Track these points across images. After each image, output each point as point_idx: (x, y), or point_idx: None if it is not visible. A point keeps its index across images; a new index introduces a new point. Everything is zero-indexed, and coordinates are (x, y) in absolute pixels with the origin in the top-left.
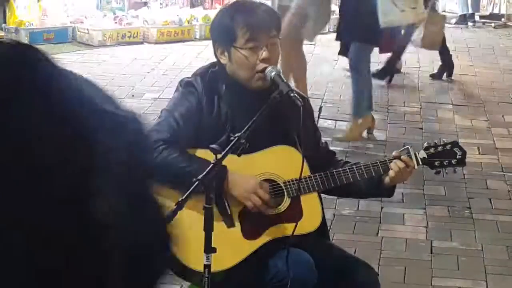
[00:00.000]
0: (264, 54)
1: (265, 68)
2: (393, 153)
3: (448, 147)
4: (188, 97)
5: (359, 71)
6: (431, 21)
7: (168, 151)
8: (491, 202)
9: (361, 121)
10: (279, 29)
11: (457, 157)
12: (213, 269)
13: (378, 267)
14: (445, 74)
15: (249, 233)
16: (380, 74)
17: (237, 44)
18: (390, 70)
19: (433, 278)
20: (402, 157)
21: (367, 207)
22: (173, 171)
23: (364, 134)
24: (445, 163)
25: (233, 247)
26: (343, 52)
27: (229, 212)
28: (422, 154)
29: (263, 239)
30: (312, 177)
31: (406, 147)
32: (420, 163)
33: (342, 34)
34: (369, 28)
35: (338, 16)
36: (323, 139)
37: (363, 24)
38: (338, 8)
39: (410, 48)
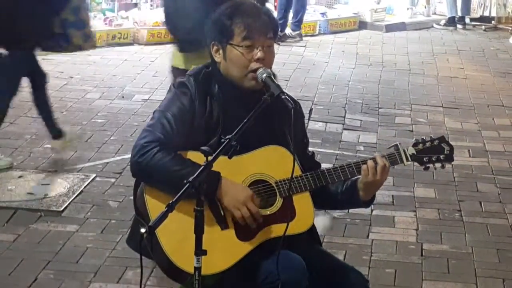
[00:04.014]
0: (259, 54)
1: (258, 68)
2: (383, 153)
3: (436, 142)
4: (180, 98)
5: None
6: None
7: (161, 153)
8: (481, 205)
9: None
10: (276, 33)
11: (445, 152)
12: (208, 272)
13: (369, 269)
14: None
15: (243, 235)
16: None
17: (233, 42)
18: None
19: (424, 281)
20: (376, 155)
21: (358, 210)
22: (167, 174)
23: None
24: (433, 159)
25: (227, 249)
26: None
27: (222, 214)
28: (411, 150)
29: (257, 240)
30: (304, 176)
31: (395, 143)
32: (410, 159)
33: None
34: None
35: None
36: (314, 141)
37: None
38: None
39: (401, 51)
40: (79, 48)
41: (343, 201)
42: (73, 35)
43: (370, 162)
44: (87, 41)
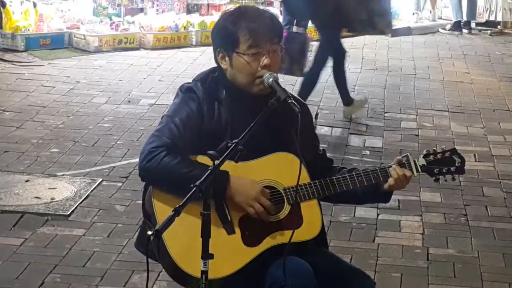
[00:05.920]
0: (265, 61)
1: (264, 73)
2: (394, 160)
3: (447, 154)
4: (188, 103)
5: None
6: None
7: (169, 157)
8: (487, 209)
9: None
10: (281, 36)
11: (456, 164)
12: (213, 276)
13: (375, 274)
14: None
15: (249, 240)
16: None
17: (239, 50)
18: None
19: (430, 285)
20: (394, 166)
21: (364, 214)
22: (175, 177)
23: None
24: (444, 171)
25: (233, 254)
26: None
27: (229, 219)
28: (421, 161)
29: (263, 246)
30: (312, 184)
31: (405, 154)
32: (420, 170)
33: None
34: None
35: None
36: (320, 145)
37: None
38: None
39: (407, 55)
40: (382, 32)
41: (365, 200)
42: (378, 22)
43: (399, 170)
44: (388, 27)
